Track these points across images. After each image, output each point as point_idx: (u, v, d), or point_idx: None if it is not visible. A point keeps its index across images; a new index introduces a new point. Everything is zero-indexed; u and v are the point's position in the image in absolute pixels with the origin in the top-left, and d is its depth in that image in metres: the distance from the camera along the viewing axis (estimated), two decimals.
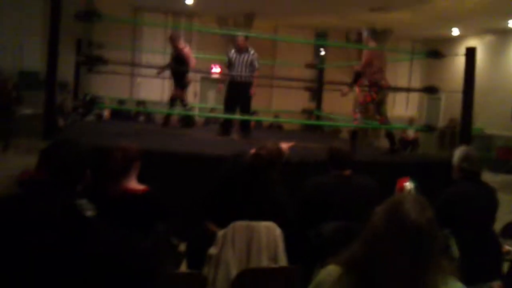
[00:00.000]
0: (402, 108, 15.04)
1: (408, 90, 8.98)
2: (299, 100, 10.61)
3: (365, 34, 6.26)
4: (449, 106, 13.20)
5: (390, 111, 14.01)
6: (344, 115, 11.13)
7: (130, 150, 2.96)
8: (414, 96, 14.99)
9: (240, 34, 6.99)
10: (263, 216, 2.97)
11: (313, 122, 8.66)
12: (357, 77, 5.91)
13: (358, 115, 5.90)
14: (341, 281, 1.52)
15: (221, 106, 7.19)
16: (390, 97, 14.00)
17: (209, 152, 4.51)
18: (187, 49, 7.14)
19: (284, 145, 3.44)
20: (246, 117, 6.51)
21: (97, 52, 6.55)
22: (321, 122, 8.65)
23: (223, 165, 3.27)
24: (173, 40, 7.11)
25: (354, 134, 6.10)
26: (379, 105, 5.92)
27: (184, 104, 7.24)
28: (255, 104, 11.55)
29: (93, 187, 2.11)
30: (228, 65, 6.74)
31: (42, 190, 1.78)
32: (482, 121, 12.90)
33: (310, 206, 3.20)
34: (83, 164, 1.98)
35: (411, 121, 13.34)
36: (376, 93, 5.76)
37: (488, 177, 10.10)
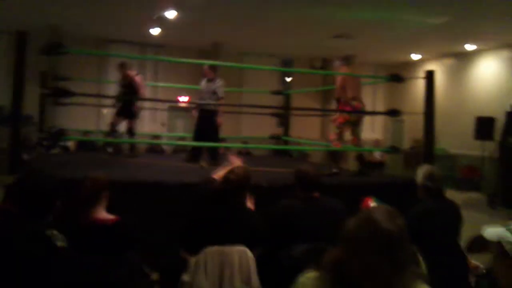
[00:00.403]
0: (367, 131, 15.31)
1: (372, 113, 9.18)
2: (267, 126, 10.69)
3: (337, 63, 6.44)
4: (412, 128, 13.51)
5: None
6: (312, 140, 11.32)
7: (99, 180, 2.97)
8: (379, 119, 15.31)
9: (206, 63, 7.09)
10: (235, 240, 3.00)
11: (281, 147, 8.75)
12: (338, 103, 6.06)
13: (334, 137, 6.03)
14: (320, 281, 1.62)
15: (189, 135, 7.24)
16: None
17: (177, 180, 4.51)
18: (138, 77, 7.20)
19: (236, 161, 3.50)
20: (212, 144, 6.51)
21: (62, 85, 6.53)
22: (290, 147, 8.75)
23: (192, 193, 3.29)
24: (123, 68, 7.14)
25: (334, 155, 6.16)
26: (354, 126, 6.09)
27: (132, 133, 7.26)
28: (223, 131, 11.62)
29: (63, 217, 2.11)
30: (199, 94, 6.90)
31: (11, 221, 1.78)
32: (445, 141, 13.27)
33: (279, 228, 3.24)
34: (51, 195, 1.99)
35: (377, 144, 13.60)
36: (348, 114, 5.91)
37: (452, 195, 10.31)
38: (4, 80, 11.06)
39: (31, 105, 8.04)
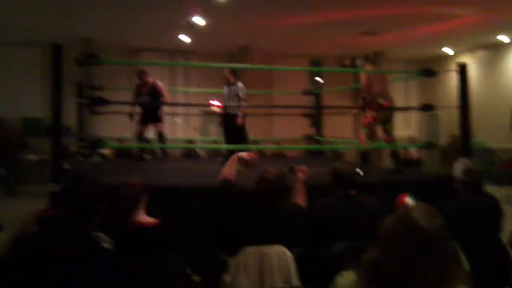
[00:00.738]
0: (401, 128, 15.13)
1: (405, 109, 9.09)
2: (300, 127, 10.69)
3: (359, 62, 6.44)
4: (448, 122, 13.29)
5: None
6: (345, 139, 11.25)
7: (136, 184, 3.05)
8: (413, 116, 15.09)
9: (233, 66, 7.19)
10: (273, 240, 3.03)
11: (313, 147, 8.74)
12: (364, 102, 6.03)
13: (364, 137, 5.99)
14: (358, 281, 1.61)
15: (221, 139, 7.35)
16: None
17: (213, 183, 4.56)
18: (160, 83, 7.31)
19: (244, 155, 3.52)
20: (245, 146, 6.56)
21: (97, 94, 6.70)
22: (322, 147, 8.73)
23: (226, 194, 3.32)
24: (143, 75, 7.23)
25: (364, 156, 6.14)
26: (385, 124, 6.03)
27: (163, 138, 7.36)
28: (255, 134, 11.65)
29: (108, 221, 2.19)
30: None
31: (57, 225, 1.86)
32: (482, 135, 12.98)
33: (318, 228, 3.25)
34: (97, 200, 2.06)
35: (412, 140, 13.41)
36: (376, 112, 5.86)
37: (491, 190, 10.09)
38: (40, 92, 11.47)
39: (68, 116, 8.28)
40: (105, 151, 7.68)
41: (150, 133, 7.66)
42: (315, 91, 9.29)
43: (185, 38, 11.58)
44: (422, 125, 15.70)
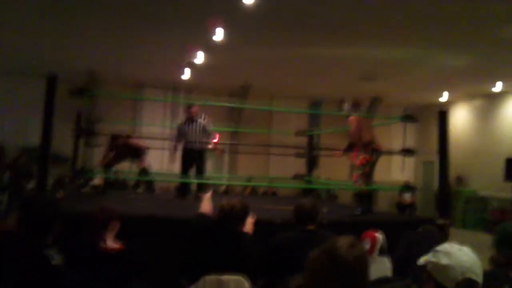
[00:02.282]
0: (398, 172, 15.27)
1: (388, 153, 9.24)
2: (296, 167, 10.85)
3: (346, 107, 6.67)
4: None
5: (386, 175, 14.28)
6: (341, 180, 11.36)
7: (108, 209, 3.23)
8: (410, 161, 15.23)
9: (231, 105, 7.45)
10: (232, 268, 3.17)
11: (300, 185, 8.89)
12: (350, 146, 6.24)
13: (358, 177, 6.15)
14: None
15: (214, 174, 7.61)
16: (386, 161, 14.30)
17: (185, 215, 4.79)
18: (133, 140, 7.71)
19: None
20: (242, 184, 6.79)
21: (97, 126, 6.97)
22: (308, 186, 8.89)
23: (190, 224, 3.52)
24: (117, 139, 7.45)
25: (359, 196, 6.24)
26: (372, 167, 6.22)
27: (146, 173, 7.76)
28: (252, 171, 11.78)
29: (62, 238, 2.36)
30: (178, 135, 7.25)
31: (12, 240, 2.04)
32: (476, 183, 13.09)
33: (277, 260, 3.40)
34: (50, 218, 2.24)
35: (407, 185, 13.50)
36: (370, 155, 6.07)
37: (483, 238, 10.13)
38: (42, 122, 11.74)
39: (68, 146, 8.51)
40: (97, 182, 7.85)
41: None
42: (308, 132, 9.48)
43: (186, 75, 11.93)
44: (418, 171, 15.83)
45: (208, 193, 4.07)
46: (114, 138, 7.35)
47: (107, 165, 7.40)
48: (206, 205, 3.94)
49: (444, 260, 1.82)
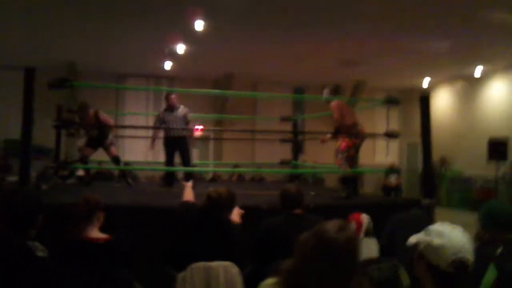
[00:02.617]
0: (382, 155, 15.38)
1: (372, 135, 9.26)
2: (281, 152, 10.88)
3: (326, 92, 6.68)
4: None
5: (371, 159, 14.38)
6: (327, 164, 11.40)
7: (91, 200, 3.19)
8: (394, 144, 15.34)
9: (213, 92, 7.40)
10: (220, 256, 3.17)
11: (287, 171, 8.91)
12: (337, 130, 6.24)
13: (342, 161, 6.17)
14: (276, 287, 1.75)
15: (201, 162, 7.57)
16: (370, 145, 14.39)
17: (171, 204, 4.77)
18: (102, 114, 7.32)
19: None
20: (232, 170, 6.79)
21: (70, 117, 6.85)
22: (296, 170, 8.90)
23: (176, 213, 3.51)
24: (85, 110, 7.13)
25: (344, 179, 6.24)
26: (357, 150, 6.26)
27: (118, 161, 7.49)
28: (237, 158, 11.78)
29: (45, 231, 2.33)
30: (160, 123, 7.20)
31: None
32: (460, 164, 13.25)
33: (264, 245, 3.40)
34: (34, 211, 2.21)
35: (392, 168, 13.62)
36: (355, 138, 6.12)
37: (469, 217, 10.26)
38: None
39: (51, 138, 8.40)
40: (81, 173, 7.77)
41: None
42: (293, 118, 9.49)
43: (168, 65, 11.83)
44: (402, 153, 15.96)
45: (189, 182, 4.08)
46: (84, 107, 7.12)
47: (84, 156, 7.32)
48: (189, 193, 3.97)
49: (437, 240, 1.83)
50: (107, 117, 7.30)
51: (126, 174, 7.57)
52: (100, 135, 7.17)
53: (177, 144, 7.07)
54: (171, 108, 7.14)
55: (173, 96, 7.21)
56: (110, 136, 7.36)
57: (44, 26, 9.15)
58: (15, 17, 8.67)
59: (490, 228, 2.71)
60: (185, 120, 7.13)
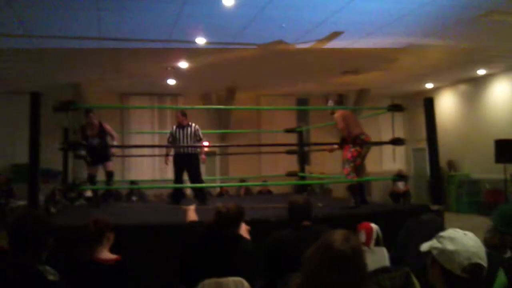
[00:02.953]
0: (389, 162, 15.35)
1: (378, 143, 9.27)
2: (288, 164, 10.88)
3: (330, 103, 6.74)
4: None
5: (378, 166, 14.35)
6: (334, 175, 11.39)
7: (102, 221, 3.21)
8: (400, 150, 15.31)
9: (213, 108, 7.45)
10: (230, 271, 3.16)
11: (294, 182, 8.90)
12: (343, 141, 6.27)
13: (349, 170, 6.18)
14: None
15: (209, 177, 7.58)
16: (377, 152, 14.36)
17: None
18: (107, 125, 7.48)
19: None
20: (234, 184, 6.81)
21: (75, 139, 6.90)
22: (302, 182, 8.90)
23: (184, 231, 3.52)
24: (89, 115, 7.27)
25: (352, 188, 6.24)
26: (363, 158, 6.29)
27: (111, 177, 7.55)
28: (243, 172, 11.78)
29: (57, 255, 2.35)
30: (171, 140, 7.27)
31: (5, 259, 2.02)
32: (468, 167, 13.20)
33: (274, 258, 3.39)
34: (44, 234, 2.23)
35: (399, 174, 13.58)
36: (361, 147, 6.14)
37: (478, 220, 10.23)
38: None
39: (58, 161, 8.43)
40: (89, 194, 7.81)
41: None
42: (297, 129, 9.49)
43: (171, 82, 11.91)
44: (409, 159, 15.92)
45: (191, 206, 4.14)
46: (88, 111, 7.22)
47: (91, 174, 7.35)
48: (192, 214, 4.03)
49: (449, 246, 1.84)
50: (111, 129, 7.36)
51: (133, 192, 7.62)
52: (101, 144, 7.20)
53: (186, 161, 7.09)
54: (181, 125, 7.21)
55: (179, 114, 7.27)
56: (111, 150, 7.46)
57: (47, 51, 9.23)
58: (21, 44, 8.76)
59: (506, 230, 2.69)
60: (196, 138, 7.17)
